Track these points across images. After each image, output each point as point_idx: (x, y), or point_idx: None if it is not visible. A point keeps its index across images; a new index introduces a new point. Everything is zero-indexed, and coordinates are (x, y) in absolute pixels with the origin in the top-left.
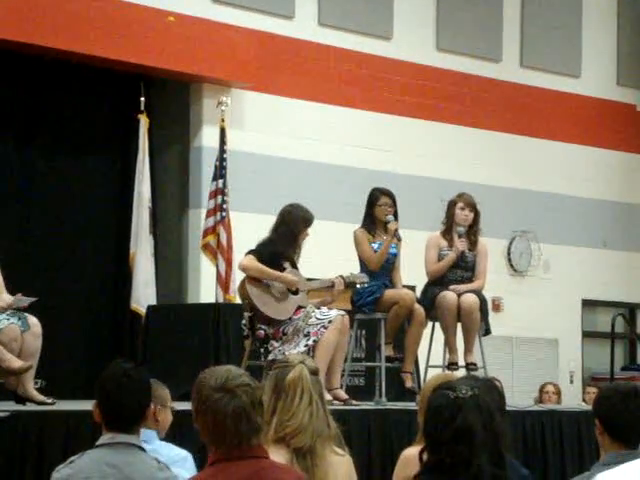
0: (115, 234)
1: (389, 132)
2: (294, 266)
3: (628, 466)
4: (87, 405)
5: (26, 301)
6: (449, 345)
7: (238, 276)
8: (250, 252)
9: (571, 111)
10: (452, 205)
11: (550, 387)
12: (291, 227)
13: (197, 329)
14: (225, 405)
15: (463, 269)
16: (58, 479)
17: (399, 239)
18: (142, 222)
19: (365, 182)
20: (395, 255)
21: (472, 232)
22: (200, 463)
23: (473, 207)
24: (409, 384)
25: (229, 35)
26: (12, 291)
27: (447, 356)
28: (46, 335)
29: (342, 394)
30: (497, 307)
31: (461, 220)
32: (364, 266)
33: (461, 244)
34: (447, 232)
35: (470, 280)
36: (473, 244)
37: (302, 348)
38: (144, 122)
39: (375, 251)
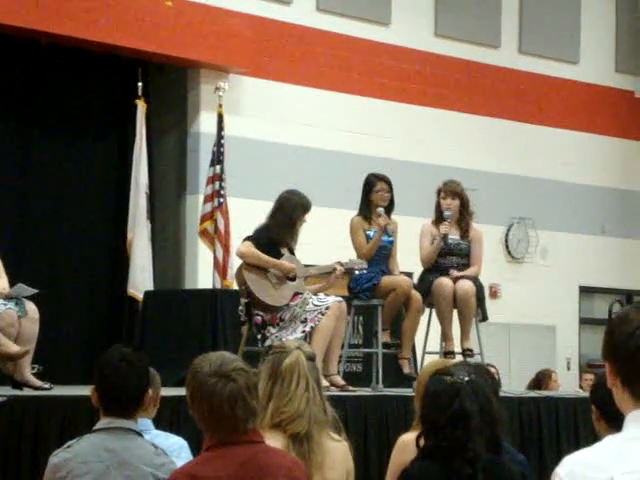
0: (112, 219)
1: (387, 118)
2: (292, 252)
3: (596, 445)
4: (84, 390)
5: (26, 292)
6: (445, 333)
7: (235, 262)
8: (247, 238)
9: (569, 97)
10: (438, 194)
11: (554, 375)
12: (289, 213)
13: (194, 315)
14: (220, 389)
15: (458, 256)
16: (55, 463)
17: (389, 235)
18: (139, 208)
19: (362, 168)
20: (391, 242)
21: (461, 218)
22: (197, 449)
23: (456, 194)
24: (406, 370)
25: (227, 20)
26: (11, 277)
27: (444, 344)
28: (43, 320)
29: (339, 380)
30: (494, 294)
31: (445, 209)
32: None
33: (444, 228)
34: (438, 220)
35: (466, 267)
36: (465, 231)
37: (299, 334)
38: (141, 107)
39: (370, 238)
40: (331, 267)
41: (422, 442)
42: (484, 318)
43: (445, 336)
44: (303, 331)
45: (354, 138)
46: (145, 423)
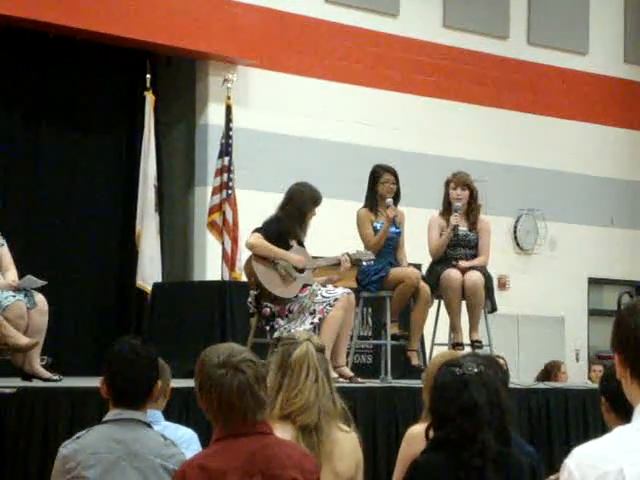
0: (121, 211)
1: (395, 109)
2: (301, 244)
3: (605, 437)
4: (93, 382)
5: (35, 284)
6: (453, 324)
7: (244, 254)
8: (257, 230)
9: (578, 88)
10: (447, 185)
11: (563, 366)
12: (299, 206)
13: (203, 307)
14: (229, 381)
15: (466, 247)
16: (65, 455)
17: (397, 227)
18: (148, 199)
19: (370, 160)
20: (399, 234)
21: (470, 210)
22: (207, 441)
23: (465, 185)
24: (415, 362)
25: (235, 12)
26: (20, 269)
27: (452, 335)
28: (52, 312)
29: (348, 372)
30: (503, 285)
31: (454, 199)
32: None
33: (454, 219)
34: (446, 212)
35: (474, 258)
36: (473, 223)
37: (308, 326)
38: (150, 99)
39: (377, 230)
40: (338, 259)
41: (431, 434)
42: (493, 309)
43: (454, 327)
44: (312, 323)
45: (362, 130)
46: (155, 415)
